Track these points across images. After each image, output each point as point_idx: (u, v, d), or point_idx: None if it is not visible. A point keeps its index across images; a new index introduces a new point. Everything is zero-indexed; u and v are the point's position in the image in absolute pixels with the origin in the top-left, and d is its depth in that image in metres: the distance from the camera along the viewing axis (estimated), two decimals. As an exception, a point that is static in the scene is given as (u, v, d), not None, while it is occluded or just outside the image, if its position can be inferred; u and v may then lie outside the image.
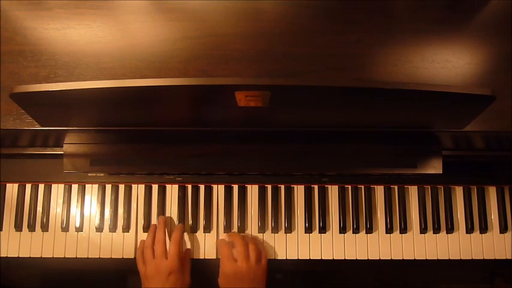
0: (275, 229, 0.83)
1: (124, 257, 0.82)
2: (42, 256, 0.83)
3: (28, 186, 0.85)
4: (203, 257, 0.82)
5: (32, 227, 0.83)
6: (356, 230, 0.83)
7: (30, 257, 0.82)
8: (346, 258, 0.83)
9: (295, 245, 0.83)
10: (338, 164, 0.74)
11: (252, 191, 0.85)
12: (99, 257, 0.82)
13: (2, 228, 0.84)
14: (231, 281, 0.74)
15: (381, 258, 0.83)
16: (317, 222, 0.84)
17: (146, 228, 0.83)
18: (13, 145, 0.79)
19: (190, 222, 0.84)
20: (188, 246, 0.83)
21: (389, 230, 0.84)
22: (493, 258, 0.83)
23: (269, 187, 0.85)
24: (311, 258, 0.83)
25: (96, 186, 0.85)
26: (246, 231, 0.84)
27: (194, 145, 0.73)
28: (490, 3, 0.75)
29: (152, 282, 0.73)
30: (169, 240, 0.78)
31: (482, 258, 0.83)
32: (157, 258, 0.75)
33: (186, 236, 0.83)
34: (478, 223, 0.84)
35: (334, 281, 0.87)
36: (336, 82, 0.53)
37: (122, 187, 0.85)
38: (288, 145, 0.73)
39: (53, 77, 0.69)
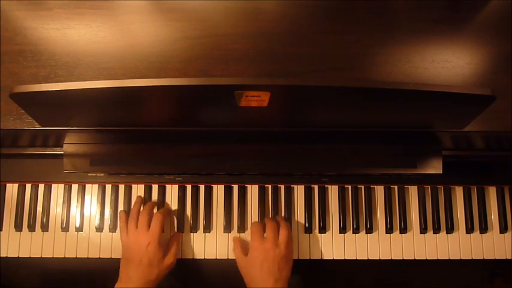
0: (275, 229, 0.83)
1: (124, 257, 0.82)
2: (42, 256, 0.83)
3: (28, 186, 0.85)
4: (203, 257, 0.82)
5: (32, 227, 0.84)
6: (356, 230, 0.83)
7: (30, 257, 0.83)
8: (346, 258, 0.83)
9: (295, 245, 0.83)
10: (338, 164, 0.74)
11: (252, 191, 0.85)
12: (99, 257, 0.83)
13: (2, 228, 0.84)
14: (254, 254, 0.75)
15: (380, 258, 0.83)
16: (317, 222, 0.84)
17: (146, 228, 0.83)
18: (13, 145, 0.79)
19: (190, 222, 0.84)
20: (188, 246, 0.83)
21: (389, 230, 0.84)
22: (493, 258, 0.83)
23: (269, 187, 0.85)
24: (311, 258, 0.83)
25: (96, 186, 0.85)
26: (245, 231, 0.83)
27: (194, 145, 0.73)
28: (490, 3, 0.75)
29: (132, 253, 0.74)
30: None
31: (482, 258, 0.83)
32: (139, 229, 0.76)
33: (185, 236, 0.83)
34: (478, 223, 0.84)
35: (334, 281, 0.87)
36: (336, 82, 0.53)
37: (121, 187, 0.85)
38: (288, 145, 0.73)
39: (53, 77, 0.69)
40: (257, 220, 0.84)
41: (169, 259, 0.77)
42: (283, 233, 0.76)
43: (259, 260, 0.73)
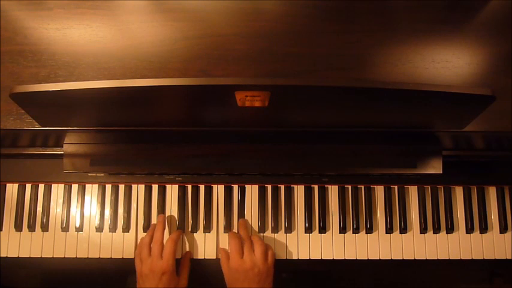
0: (275, 229, 0.83)
1: (124, 257, 0.82)
2: (42, 256, 0.83)
3: (28, 186, 0.85)
4: (203, 257, 0.82)
5: (32, 227, 0.83)
6: (356, 230, 0.83)
7: (30, 257, 0.83)
8: (346, 258, 0.83)
9: (295, 245, 0.83)
10: (338, 164, 0.74)
11: (252, 191, 0.85)
12: (99, 257, 0.83)
13: (2, 228, 0.84)
14: (234, 275, 0.75)
15: (380, 258, 0.83)
16: (317, 222, 0.84)
17: (146, 228, 0.83)
18: (13, 145, 0.79)
19: (190, 222, 0.84)
20: (188, 246, 0.83)
21: (389, 230, 0.84)
22: (493, 258, 0.83)
23: (269, 187, 0.85)
24: (311, 258, 0.83)
25: (96, 186, 0.85)
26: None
27: (194, 145, 0.73)
28: (490, 3, 0.75)
29: (147, 281, 0.74)
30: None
31: (482, 258, 0.83)
32: (153, 258, 0.75)
33: (186, 236, 0.83)
34: (478, 223, 0.84)
35: (334, 281, 0.87)
36: (336, 82, 0.53)
37: (121, 187, 0.85)
38: (288, 145, 0.73)
39: (53, 77, 0.69)
40: (256, 219, 0.84)
41: (183, 282, 0.77)
42: (257, 250, 0.76)
43: (240, 281, 0.74)
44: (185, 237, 0.83)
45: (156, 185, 0.85)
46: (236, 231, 0.83)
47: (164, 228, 0.80)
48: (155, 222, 0.83)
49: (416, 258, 0.83)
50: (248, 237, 0.80)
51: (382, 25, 0.73)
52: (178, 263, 0.79)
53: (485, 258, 0.83)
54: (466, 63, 0.71)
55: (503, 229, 0.84)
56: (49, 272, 0.85)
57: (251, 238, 0.80)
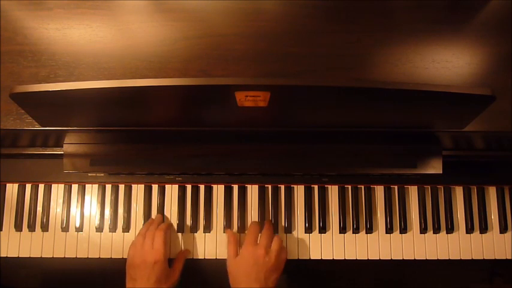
0: (275, 229, 0.83)
1: (124, 257, 0.82)
2: (42, 256, 0.83)
3: (28, 186, 0.85)
4: (203, 257, 0.82)
5: (32, 227, 0.84)
6: (356, 230, 0.83)
7: (30, 257, 0.83)
8: (346, 258, 0.83)
9: (295, 245, 0.83)
10: (338, 164, 0.74)
11: (252, 191, 0.85)
12: (99, 257, 0.83)
13: (2, 228, 0.84)
14: (244, 261, 0.75)
15: (380, 258, 0.83)
16: (317, 222, 0.84)
17: (146, 228, 0.83)
18: (13, 145, 0.79)
19: (190, 222, 0.84)
20: (188, 246, 0.83)
21: (389, 230, 0.84)
22: (493, 258, 0.83)
23: (269, 187, 0.85)
24: (311, 258, 0.83)
25: (96, 186, 0.85)
26: (245, 231, 0.83)
27: (194, 145, 0.73)
28: (490, 3, 0.75)
29: (138, 271, 0.74)
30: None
31: (482, 258, 0.83)
32: (144, 247, 0.76)
33: (186, 236, 0.83)
34: (478, 223, 0.84)
35: (334, 281, 0.87)
36: (336, 82, 0.53)
37: (121, 187, 0.85)
38: (288, 145, 0.73)
39: (53, 77, 0.69)
40: (257, 220, 0.84)
41: (175, 276, 0.77)
42: (276, 243, 0.77)
43: (249, 265, 0.73)
44: (185, 237, 0.83)
45: (156, 185, 0.85)
46: (235, 231, 0.83)
47: (161, 222, 0.81)
48: (153, 218, 0.83)
49: (416, 258, 0.83)
50: (271, 230, 0.79)
51: (382, 25, 0.73)
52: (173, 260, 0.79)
53: (485, 258, 0.83)
54: (466, 63, 0.71)
55: (503, 229, 0.84)
56: (49, 272, 0.85)
57: (271, 232, 0.80)
